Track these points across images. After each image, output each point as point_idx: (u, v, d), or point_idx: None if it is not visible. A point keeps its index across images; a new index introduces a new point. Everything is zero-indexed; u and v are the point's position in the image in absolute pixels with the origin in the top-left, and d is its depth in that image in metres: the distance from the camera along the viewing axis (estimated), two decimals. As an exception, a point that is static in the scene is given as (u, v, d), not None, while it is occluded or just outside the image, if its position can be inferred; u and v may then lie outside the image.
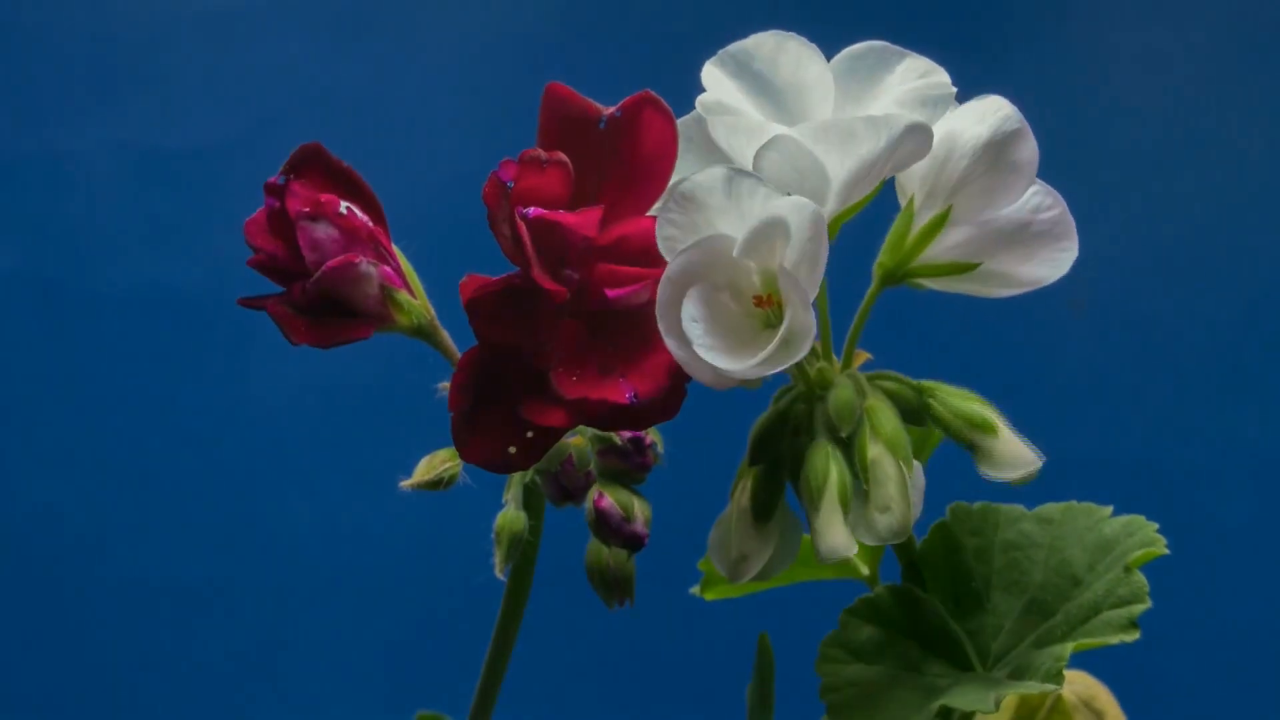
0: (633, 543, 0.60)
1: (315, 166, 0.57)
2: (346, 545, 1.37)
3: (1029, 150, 0.54)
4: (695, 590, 0.72)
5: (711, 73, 0.55)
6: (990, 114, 0.54)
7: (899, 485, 0.53)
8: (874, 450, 0.54)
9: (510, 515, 0.60)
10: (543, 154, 0.53)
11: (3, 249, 1.39)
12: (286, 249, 0.56)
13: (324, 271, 0.55)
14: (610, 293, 0.52)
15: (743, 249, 0.51)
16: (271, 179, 0.57)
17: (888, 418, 0.54)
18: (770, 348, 0.50)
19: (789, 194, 0.50)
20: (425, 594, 1.36)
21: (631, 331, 0.52)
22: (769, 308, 0.52)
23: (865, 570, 0.71)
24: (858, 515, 0.53)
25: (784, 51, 0.54)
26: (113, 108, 1.40)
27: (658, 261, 0.52)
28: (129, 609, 1.37)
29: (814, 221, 0.49)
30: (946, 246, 0.55)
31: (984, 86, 0.55)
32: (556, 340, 0.52)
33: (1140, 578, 0.56)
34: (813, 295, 0.50)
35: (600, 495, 0.59)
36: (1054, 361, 1.31)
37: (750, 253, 0.51)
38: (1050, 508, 0.62)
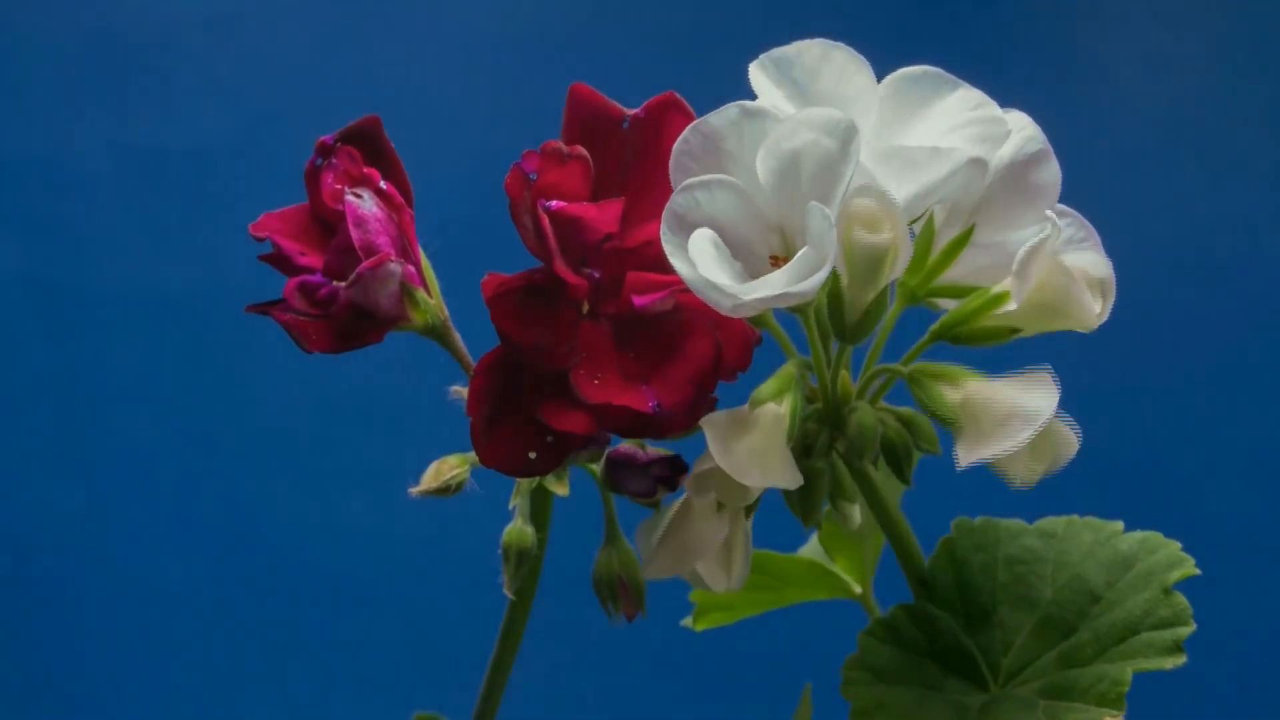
0: (666, 467, 0.57)
1: (364, 142, 0.57)
2: (347, 545, 1.37)
3: (1051, 172, 0.53)
4: (686, 622, 0.72)
5: (755, 76, 0.53)
6: (1014, 133, 0.53)
7: (1015, 400, 0.51)
8: (956, 394, 0.52)
9: (517, 530, 0.59)
10: (564, 147, 0.53)
11: (3, 249, 1.39)
12: (301, 240, 0.56)
13: (359, 274, 0.54)
14: (637, 300, 0.52)
15: (768, 196, 0.50)
16: (325, 137, 0.57)
17: (952, 367, 0.53)
18: (787, 269, 0.48)
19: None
20: (426, 594, 1.36)
21: (657, 339, 0.52)
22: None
23: (858, 589, 0.70)
24: (970, 444, 0.51)
25: (828, 61, 0.53)
26: (113, 108, 1.40)
27: None
28: (128, 609, 1.36)
29: (834, 137, 0.49)
30: (970, 269, 0.54)
31: (984, 86, 0.55)
32: (580, 342, 0.52)
33: (1183, 600, 0.56)
34: (833, 210, 0.48)
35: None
36: (1054, 361, 1.31)
37: (775, 200, 0.50)
38: (1052, 522, 0.61)
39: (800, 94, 0.53)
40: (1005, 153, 0.53)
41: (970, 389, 0.52)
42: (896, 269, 0.51)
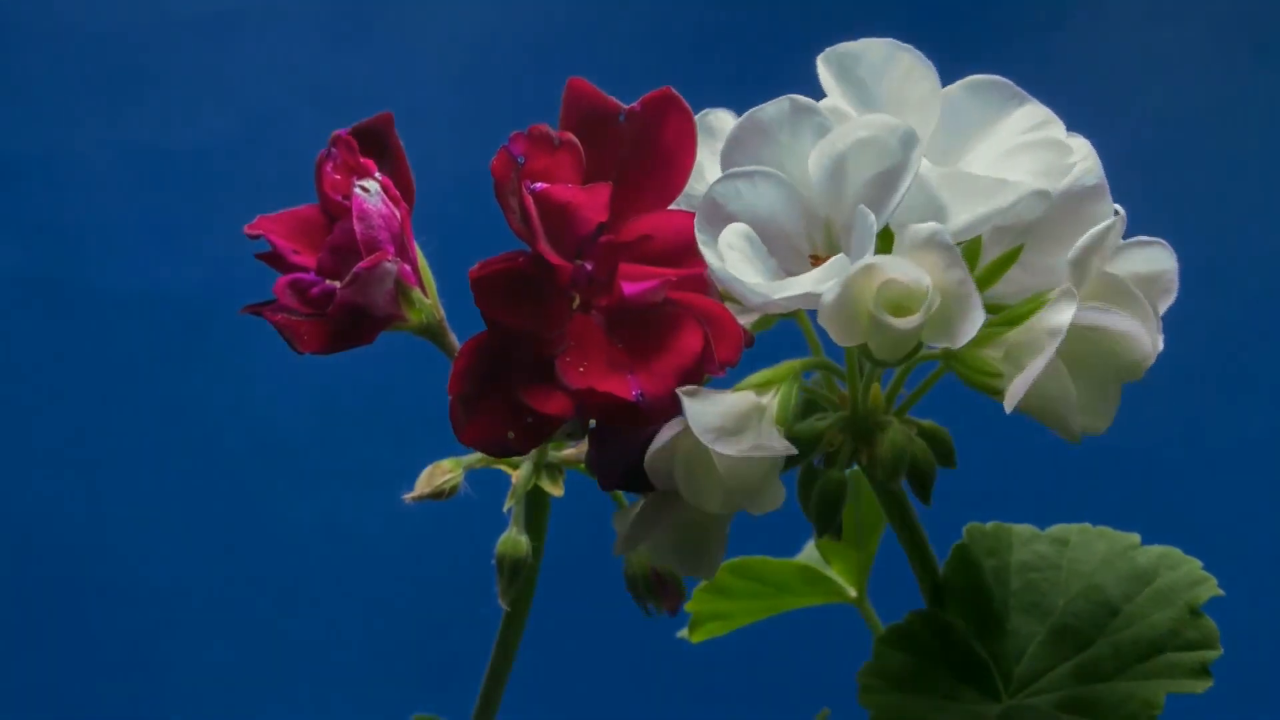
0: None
1: (374, 138, 0.57)
2: (346, 545, 1.37)
3: (1105, 209, 0.52)
4: (682, 634, 0.72)
5: (820, 70, 0.53)
6: (1074, 161, 0.52)
7: (1042, 322, 0.49)
8: (997, 351, 0.51)
9: (511, 540, 0.59)
10: (552, 132, 0.53)
11: (3, 249, 1.39)
12: (295, 240, 0.56)
13: (356, 274, 0.54)
14: (628, 288, 0.51)
15: (817, 192, 0.49)
16: (341, 130, 0.57)
17: (985, 330, 0.51)
18: (819, 271, 0.47)
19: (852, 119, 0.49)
20: (425, 595, 1.36)
21: (646, 331, 0.52)
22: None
23: (853, 593, 0.70)
24: (1012, 384, 0.49)
25: (894, 63, 0.52)
26: (113, 108, 1.39)
27: (680, 264, 0.52)
28: (129, 609, 1.36)
29: (896, 145, 0.48)
30: (1015, 288, 0.53)
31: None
32: (569, 332, 0.52)
33: (1211, 623, 0.56)
34: (879, 224, 0.47)
35: None
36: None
37: (824, 197, 0.49)
38: (1064, 529, 0.60)
39: (862, 92, 0.52)
40: (1062, 181, 0.52)
41: (1008, 338, 0.51)
42: (955, 334, 0.48)
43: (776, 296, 0.48)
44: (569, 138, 0.53)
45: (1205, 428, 1.34)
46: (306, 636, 1.37)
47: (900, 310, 0.48)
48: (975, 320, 0.47)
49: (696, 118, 0.55)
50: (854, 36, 0.54)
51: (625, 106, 0.55)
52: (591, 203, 0.52)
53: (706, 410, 0.49)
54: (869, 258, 0.47)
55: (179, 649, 1.36)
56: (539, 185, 0.51)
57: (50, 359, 1.39)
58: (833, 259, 0.48)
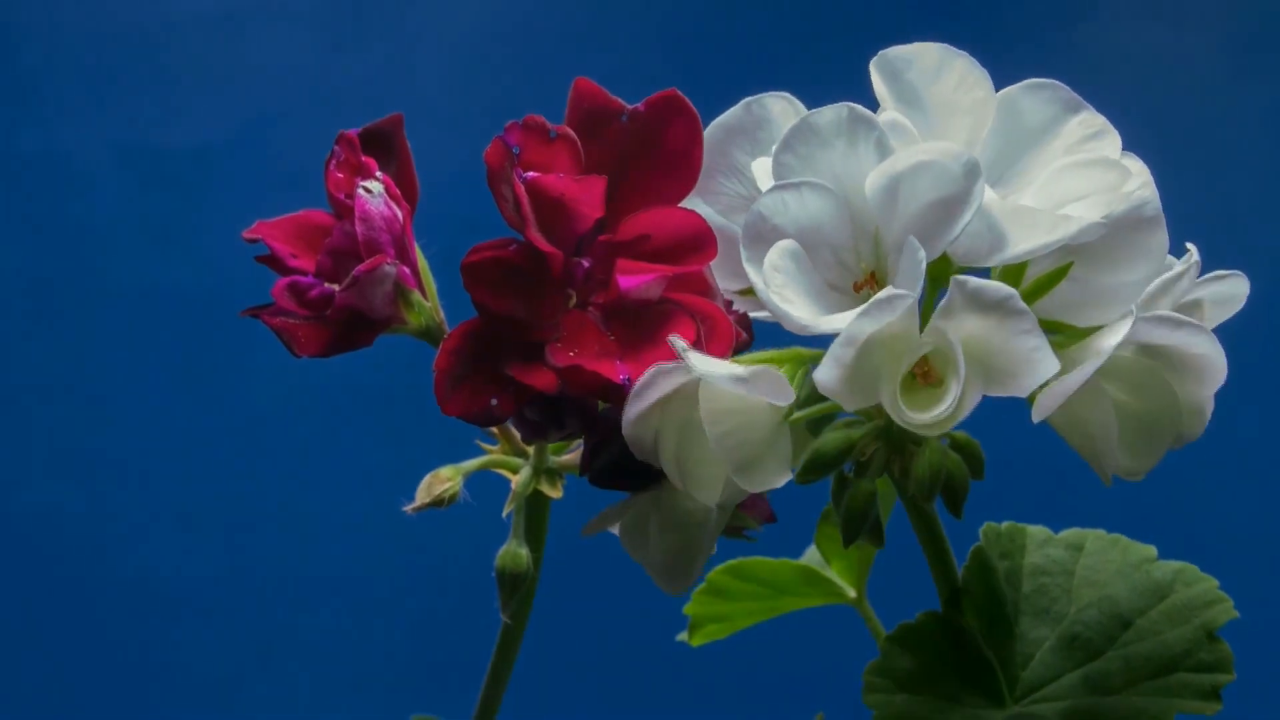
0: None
1: (381, 139, 0.57)
2: (347, 546, 1.37)
3: (1159, 239, 0.52)
4: (682, 637, 0.71)
5: (873, 75, 0.52)
6: (1132, 189, 0.52)
7: (1092, 343, 0.50)
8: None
9: (511, 553, 0.59)
10: (548, 124, 0.53)
11: (3, 249, 1.39)
12: (293, 244, 0.56)
13: (355, 277, 0.54)
14: (624, 281, 0.51)
15: (870, 206, 0.49)
16: (350, 131, 0.57)
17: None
18: (864, 310, 0.46)
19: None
20: (425, 596, 1.36)
21: (639, 326, 0.52)
22: (871, 289, 0.49)
23: (852, 594, 0.70)
24: (1045, 392, 0.49)
25: (948, 69, 0.52)
26: (113, 108, 1.39)
27: (677, 261, 0.52)
28: (129, 608, 1.36)
29: (959, 175, 0.47)
30: (1059, 302, 0.52)
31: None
32: (561, 323, 0.52)
33: (1226, 647, 0.55)
34: (937, 252, 0.47)
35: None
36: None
37: (877, 211, 0.49)
38: (1079, 534, 0.60)
39: (912, 97, 0.52)
40: (1119, 207, 0.51)
41: (1066, 353, 0.50)
42: (1022, 388, 0.48)
43: (820, 330, 0.47)
44: (565, 130, 0.53)
45: (1218, 437, 1.33)
46: (307, 637, 1.37)
47: (925, 371, 0.48)
48: (1045, 373, 0.47)
49: (741, 105, 0.55)
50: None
51: (630, 107, 0.54)
52: (587, 196, 0.52)
53: (702, 357, 0.49)
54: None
55: (178, 649, 1.36)
56: (530, 174, 0.51)
57: (50, 359, 1.39)
58: (879, 295, 0.47)
